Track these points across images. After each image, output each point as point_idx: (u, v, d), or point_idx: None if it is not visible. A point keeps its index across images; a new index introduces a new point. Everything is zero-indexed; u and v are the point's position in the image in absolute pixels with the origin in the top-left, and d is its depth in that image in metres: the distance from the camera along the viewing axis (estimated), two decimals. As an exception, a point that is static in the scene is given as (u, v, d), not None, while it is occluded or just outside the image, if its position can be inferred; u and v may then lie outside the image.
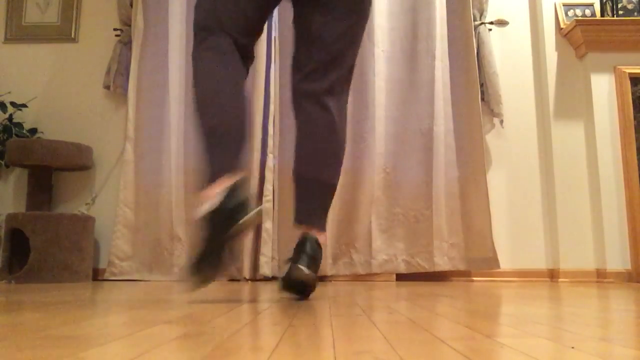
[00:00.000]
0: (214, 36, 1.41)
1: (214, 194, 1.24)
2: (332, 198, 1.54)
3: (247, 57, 1.48)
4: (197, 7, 1.46)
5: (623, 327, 0.85)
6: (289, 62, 2.97)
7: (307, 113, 1.49)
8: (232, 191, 1.24)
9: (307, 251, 1.36)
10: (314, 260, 1.36)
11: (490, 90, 2.96)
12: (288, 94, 2.95)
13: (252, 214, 1.24)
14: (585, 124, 2.95)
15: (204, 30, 1.43)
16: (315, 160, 1.48)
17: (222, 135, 1.32)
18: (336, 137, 1.50)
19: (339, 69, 1.51)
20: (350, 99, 2.80)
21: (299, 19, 1.54)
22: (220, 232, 1.21)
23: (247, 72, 1.48)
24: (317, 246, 1.40)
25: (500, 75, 3.06)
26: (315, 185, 1.48)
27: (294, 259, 1.35)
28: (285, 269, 1.37)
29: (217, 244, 1.21)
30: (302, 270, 1.31)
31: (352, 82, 1.64)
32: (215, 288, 1.99)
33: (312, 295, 1.57)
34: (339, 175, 1.54)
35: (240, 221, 1.22)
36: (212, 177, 1.29)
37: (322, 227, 1.48)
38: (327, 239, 1.47)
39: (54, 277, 2.54)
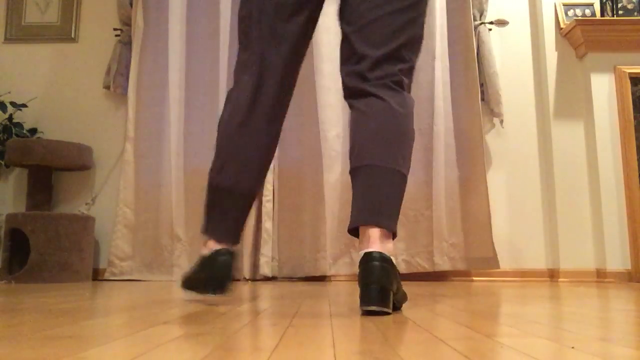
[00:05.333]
0: None
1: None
2: (401, 192, 1.19)
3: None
4: None
5: (623, 327, 0.85)
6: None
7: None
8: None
9: (374, 280, 1.04)
10: (385, 291, 1.04)
11: (490, 90, 2.95)
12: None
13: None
14: (585, 124, 2.95)
15: None
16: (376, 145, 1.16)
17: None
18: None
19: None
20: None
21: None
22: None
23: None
24: (387, 264, 1.06)
25: (500, 75, 3.06)
26: (374, 173, 1.14)
27: (361, 296, 1.05)
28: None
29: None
30: (371, 309, 1.04)
31: None
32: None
33: (311, 295, 1.57)
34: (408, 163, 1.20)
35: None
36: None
37: (389, 227, 1.14)
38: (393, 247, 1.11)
39: (54, 277, 2.54)
